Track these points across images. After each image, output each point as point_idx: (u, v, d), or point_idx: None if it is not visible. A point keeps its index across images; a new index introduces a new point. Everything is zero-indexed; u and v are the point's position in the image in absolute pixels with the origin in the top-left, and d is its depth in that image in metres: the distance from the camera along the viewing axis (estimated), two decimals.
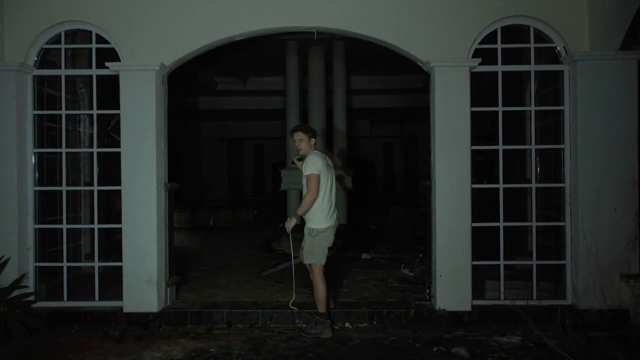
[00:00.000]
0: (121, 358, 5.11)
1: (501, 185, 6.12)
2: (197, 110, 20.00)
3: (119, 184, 6.05)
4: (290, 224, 5.63)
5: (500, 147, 6.12)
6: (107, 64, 6.06)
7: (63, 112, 6.32)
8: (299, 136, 5.68)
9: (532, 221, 6.27)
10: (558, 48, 6.10)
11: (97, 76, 6.27)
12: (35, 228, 6.24)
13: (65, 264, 6.31)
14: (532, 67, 6.18)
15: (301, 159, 5.83)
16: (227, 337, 5.64)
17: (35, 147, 6.25)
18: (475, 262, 6.01)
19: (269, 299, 6.57)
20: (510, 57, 6.25)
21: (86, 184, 7.24)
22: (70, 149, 6.56)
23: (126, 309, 6.01)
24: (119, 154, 6.05)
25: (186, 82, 16.72)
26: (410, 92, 18.36)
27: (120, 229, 6.07)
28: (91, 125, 6.77)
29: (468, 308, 5.94)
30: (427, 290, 6.39)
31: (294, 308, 5.94)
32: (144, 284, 5.98)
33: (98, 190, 6.34)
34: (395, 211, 12.57)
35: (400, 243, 11.07)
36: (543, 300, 6.06)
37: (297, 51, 14.40)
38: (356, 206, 16.03)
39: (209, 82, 17.86)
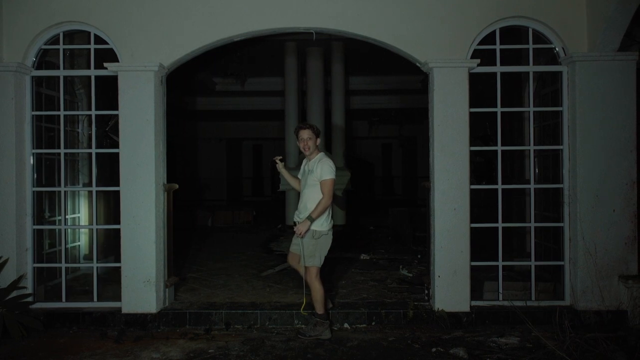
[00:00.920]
0: (119, 359, 5.10)
1: (500, 186, 6.13)
2: (195, 111, 19.96)
3: (118, 184, 6.05)
4: (304, 227, 5.35)
5: (499, 147, 6.13)
6: (105, 64, 6.05)
7: (62, 112, 6.31)
8: (307, 134, 5.54)
9: (530, 222, 6.27)
10: (557, 49, 6.10)
11: (96, 77, 6.26)
12: (34, 229, 6.23)
13: (63, 265, 6.31)
14: (530, 68, 6.19)
15: (282, 159, 5.84)
16: (226, 337, 5.64)
17: (33, 148, 6.24)
18: (474, 263, 6.02)
19: (267, 299, 6.57)
20: (509, 58, 6.26)
21: (85, 185, 7.24)
22: (68, 149, 6.53)
23: (124, 310, 6.00)
24: (117, 154, 6.05)
25: (185, 83, 16.71)
26: (409, 92, 18.37)
27: (118, 230, 6.07)
28: (90, 125, 6.77)
29: (467, 309, 5.94)
30: (426, 291, 6.39)
31: (305, 313, 5.84)
32: (142, 284, 5.97)
33: (96, 191, 6.33)
34: (394, 212, 12.55)
35: (399, 244, 11.07)
36: (541, 301, 6.06)
37: (296, 52, 14.38)
38: (355, 207, 16.03)
39: (207, 82, 17.83)
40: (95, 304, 6.20)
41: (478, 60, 5.96)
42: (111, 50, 6.18)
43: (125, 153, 6.00)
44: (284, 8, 6.09)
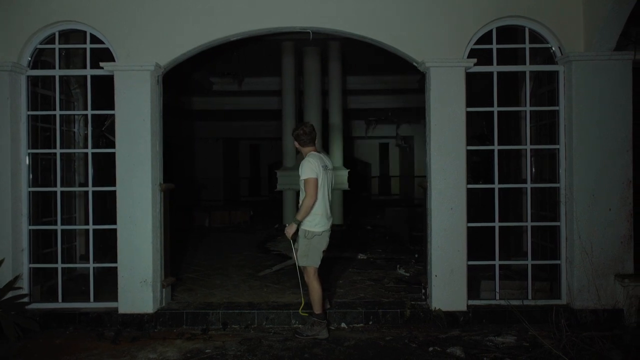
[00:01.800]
0: (116, 359, 5.09)
1: (496, 186, 6.13)
2: (192, 111, 19.92)
3: (114, 184, 6.04)
4: (291, 230, 5.45)
5: (496, 147, 6.13)
6: (101, 64, 6.04)
7: (57, 112, 6.30)
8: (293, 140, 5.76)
9: (527, 221, 6.27)
10: (553, 48, 6.11)
11: (92, 76, 6.24)
12: (30, 229, 6.22)
13: (59, 265, 6.29)
14: (527, 68, 6.19)
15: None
16: (223, 337, 5.63)
17: (29, 148, 6.22)
18: (470, 262, 6.02)
19: (264, 299, 6.56)
20: (506, 57, 6.26)
21: (81, 185, 7.23)
22: (64, 149, 6.52)
23: (121, 310, 5.99)
24: (114, 154, 6.04)
25: (182, 83, 16.67)
26: (406, 92, 18.34)
27: (114, 230, 6.06)
28: (86, 125, 6.77)
29: (463, 308, 5.94)
30: (423, 291, 6.39)
31: (304, 314, 5.83)
32: (139, 284, 5.96)
33: (93, 191, 6.32)
34: (392, 212, 12.60)
35: (397, 243, 11.08)
36: (538, 300, 6.07)
37: (293, 51, 14.37)
38: (352, 206, 16.03)
39: (204, 82, 17.81)
40: (91, 305, 6.19)
41: (475, 60, 5.97)
42: (107, 50, 6.17)
43: (122, 153, 5.99)
44: (281, 8, 6.09)
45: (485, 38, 6.13)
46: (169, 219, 6.41)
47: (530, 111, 6.32)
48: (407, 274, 7.93)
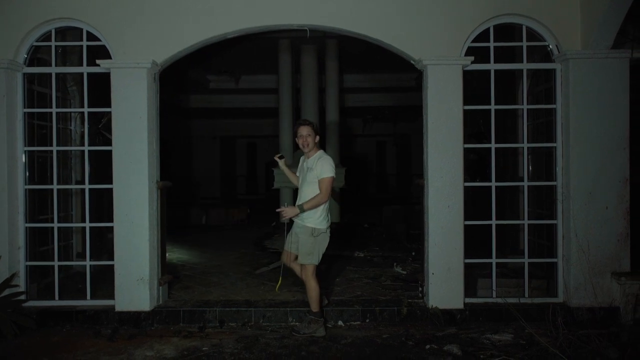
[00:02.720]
0: (113, 357, 5.08)
1: (493, 184, 6.14)
2: (189, 109, 19.91)
3: (111, 182, 6.02)
4: (292, 212, 5.43)
5: (493, 145, 6.13)
6: (97, 61, 6.02)
7: (54, 110, 6.28)
8: (307, 131, 5.46)
9: (524, 219, 6.27)
10: (550, 46, 6.11)
11: (89, 74, 6.23)
12: (26, 227, 6.20)
13: (56, 263, 6.27)
14: (524, 66, 6.20)
15: (283, 156, 5.89)
16: (220, 335, 5.63)
17: (25, 146, 6.21)
18: (467, 260, 6.02)
19: (261, 297, 6.57)
20: (503, 55, 6.26)
21: (77, 183, 7.21)
22: (61, 147, 6.49)
23: (118, 308, 5.98)
24: (110, 152, 6.03)
25: (178, 80, 16.63)
26: (403, 90, 18.35)
27: (111, 227, 6.04)
28: (82, 123, 6.75)
29: (460, 306, 5.95)
30: (420, 289, 6.39)
31: (278, 292, 6.06)
32: (135, 282, 5.95)
33: (90, 189, 6.30)
34: (388, 210, 12.60)
35: (394, 241, 11.08)
36: (535, 298, 6.08)
37: (290, 49, 14.36)
38: (349, 205, 16.03)
39: (201, 80, 17.78)
40: (88, 302, 6.18)
41: (472, 58, 5.97)
42: (104, 47, 6.15)
43: (118, 151, 5.98)
44: (278, 5, 6.07)
45: (483, 36, 6.13)
46: (165, 216, 6.40)
47: (528, 109, 6.32)
48: (404, 272, 7.94)
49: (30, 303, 6.11)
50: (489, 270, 6.22)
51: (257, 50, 14.47)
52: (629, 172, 5.89)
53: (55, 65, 6.29)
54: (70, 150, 7.09)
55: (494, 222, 6.13)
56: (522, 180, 6.42)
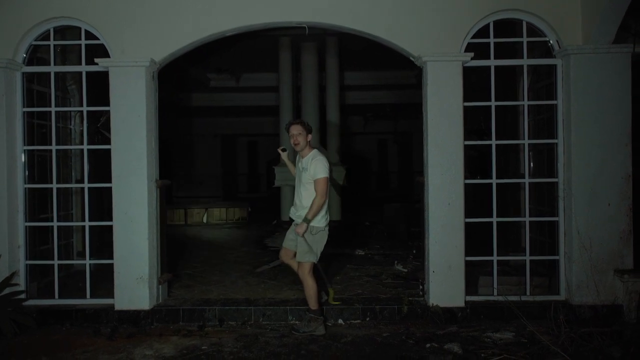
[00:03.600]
0: (112, 356, 5.06)
1: (494, 181, 6.10)
2: (190, 107, 19.89)
3: (111, 181, 6.00)
4: (302, 229, 5.39)
5: (494, 142, 6.09)
6: (96, 60, 5.99)
7: (53, 109, 6.25)
8: (297, 130, 5.53)
9: (525, 216, 6.23)
10: (551, 42, 6.07)
11: (88, 73, 6.20)
12: (26, 226, 6.18)
13: (56, 262, 6.26)
14: (525, 62, 6.15)
15: (285, 149, 6.07)
16: (219, 334, 5.60)
17: (25, 145, 6.19)
18: (468, 258, 5.99)
19: (261, 295, 6.54)
20: (503, 51, 6.22)
21: (77, 182, 7.19)
22: (60, 146, 6.46)
23: (117, 307, 5.96)
24: (110, 151, 6.00)
25: (179, 79, 16.60)
26: (404, 87, 18.31)
27: (111, 227, 6.02)
28: (82, 122, 6.72)
29: (461, 304, 5.91)
30: (421, 287, 6.36)
31: (336, 303, 6.01)
32: (135, 281, 5.93)
33: (89, 188, 6.28)
34: (389, 208, 12.51)
35: (395, 239, 11.05)
36: (536, 296, 6.04)
37: (290, 47, 14.33)
38: (350, 203, 16.00)
39: (201, 78, 17.75)
40: (88, 301, 6.17)
41: (472, 54, 5.93)
42: (102, 46, 6.12)
43: (117, 149, 5.95)
44: (276, 2, 6.04)
45: (483, 32, 6.09)
46: (165, 215, 6.38)
47: (529, 106, 6.28)
48: (405, 270, 7.91)
49: (31, 302, 6.09)
50: (490, 268, 6.19)
51: (258, 48, 14.45)
52: (631, 168, 5.85)
53: (54, 64, 6.26)
54: (70, 149, 7.07)
55: (494, 219, 6.09)
56: (524, 177, 6.38)
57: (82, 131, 6.67)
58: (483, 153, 7.22)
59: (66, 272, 6.86)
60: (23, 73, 6.17)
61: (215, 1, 6.04)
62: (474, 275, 6.25)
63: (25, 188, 6.20)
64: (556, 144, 6.12)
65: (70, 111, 7.04)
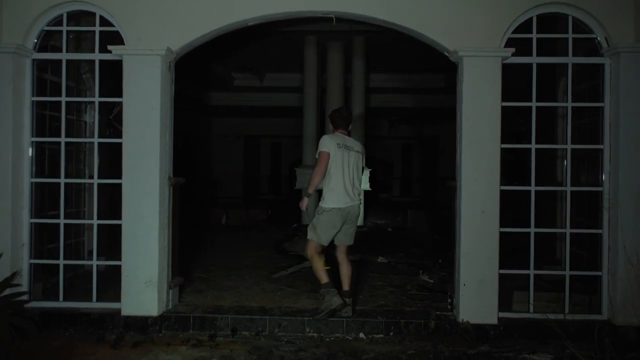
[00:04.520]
0: None
1: (533, 188, 5.61)
2: (213, 106, 19.68)
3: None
4: (303, 203, 5.68)
5: (533, 145, 5.61)
6: (109, 47, 5.64)
7: (63, 99, 5.91)
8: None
9: (565, 228, 5.71)
10: (599, 39, 5.57)
11: (105, 62, 5.88)
12: (31, 222, 5.84)
13: (61, 262, 5.91)
14: (569, 60, 5.65)
15: None
16: (231, 345, 5.19)
17: (33, 136, 5.85)
18: (502, 271, 5.51)
19: (277, 304, 6.13)
20: (540, 50, 5.71)
21: (90, 177, 6.88)
22: (69, 138, 6.12)
23: (124, 312, 5.59)
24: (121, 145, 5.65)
25: (202, 76, 16.39)
26: (431, 92, 17.92)
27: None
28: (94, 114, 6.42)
29: (494, 321, 5.42)
30: (449, 300, 5.89)
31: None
32: (143, 285, 5.55)
33: (102, 184, 5.95)
34: (414, 214, 12.10)
35: (419, 247, 10.56)
36: (575, 315, 5.52)
37: (316, 46, 13.97)
38: (373, 208, 15.58)
39: (225, 77, 17.51)
40: (94, 305, 5.81)
41: (512, 50, 5.46)
42: (118, 33, 5.78)
43: (129, 143, 5.59)
44: None
45: (524, 27, 5.61)
46: (178, 215, 6.01)
47: (570, 108, 5.77)
48: (431, 281, 7.43)
49: (34, 304, 5.74)
50: (523, 281, 5.71)
51: (283, 47, 14.16)
52: None
53: (67, 52, 5.93)
54: (85, 143, 6.75)
55: (532, 229, 5.60)
56: (563, 185, 5.88)
57: (95, 123, 6.35)
58: (519, 157, 6.74)
59: (74, 272, 6.54)
60: (33, 60, 5.83)
61: None
62: (506, 290, 5.74)
63: (32, 182, 5.85)
64: (601, 150, 5.61)
65: (84, 102, 6.70)
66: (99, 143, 5.95)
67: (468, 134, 5.45)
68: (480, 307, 5.43)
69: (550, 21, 5.84)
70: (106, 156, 6.18)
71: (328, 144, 5.48)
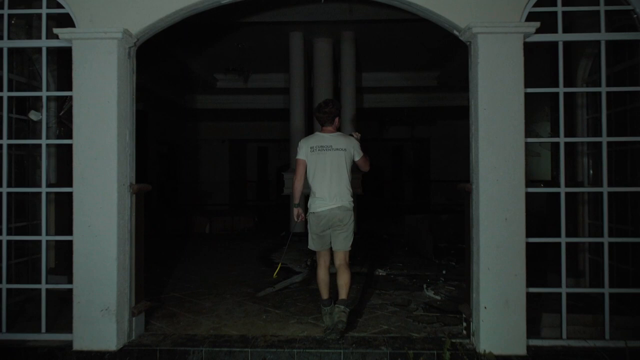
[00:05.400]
0: None
1: (563, 189, 4.72)
2: (196, 109, 18.80)
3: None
4: (294, 214, 5.33)
5: (562, 139, 4.71)
6: (55, 30, 4.71)
7: (5, 94, 4.99)
8: None
9: (603, 236, 4.80)
10: (637, 11, 4.71)
11: (52, 49, 5.01)
12: None
13: (4, 286, 4.97)
14: (602, 36, 4.73)
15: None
16: None
17: None
18: (531, 290, 4.61)
19: (262, 331, 5.20)
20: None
21: (51, 185, 5.96)
22: (13, 140, 5.17)
23: (77, 346, 4.64)
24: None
25: (183, 79, 15.54)
26: (423, 90, 17.25)
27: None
28: (58, 111, 5.52)
29: (522, 351, 4.48)
30: (464, 324, 5.00)
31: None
32: (99, 314, 4.61)
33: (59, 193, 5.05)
34: (411, 219, 11.18)
35: (418, 256, 9.66)
36: (617, 341, 4.61)
37: (302, 43, 13.09)
38: (365, 211, 14.70)
39: (208, 78, 16.62)
40: (43, 337, 4.87)
41: (537, 24, 4.55)
42: (69, 16, 4.86)
43: (80, 144, 4.66)
44: None
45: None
46: (143, 228, 5.08)
47: (587, 99, 4.94)
48: (438, 298, 6.53)
49: None
50: (550, 302, 4.84)
51: (267, 45, 13.37)
52: None
53: (9, 39, 5.02)
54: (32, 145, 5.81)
55: (563, 239, 4.70)
56: (595, 185, 5.02)
57: (57, 123, 5.45)
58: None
59: (26, 295, 5.61)
60: None
61: None
62: (533, 311, 4.84)
63: None
64: None
65: (40, 100, 5.76)
66: (58, 145, 5.02)
67: (485, 126, 4.55)
68: (505, 334, 4.50)
69: None
70: (67, 160, 5.25)
71: (301, 149, 5.22)
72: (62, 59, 5.31)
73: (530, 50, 4.71)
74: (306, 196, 5.17)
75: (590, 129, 5.93)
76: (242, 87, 17.21)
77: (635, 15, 4.72)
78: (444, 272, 8.02)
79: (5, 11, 4.96)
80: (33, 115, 5.51)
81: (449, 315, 5.70)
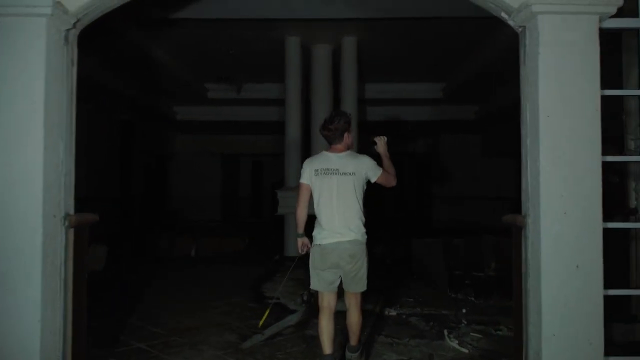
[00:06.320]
0: None
1: None
2: (185, 121, 17.80)
3: None
4: (298, 245, 4.70)
5: None
6: None
7: None
8: None
9: None
10: None
11: None
12: None
13: None
14: None
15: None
16: None
17: None
18: (613, 359, 3.39)
19: None
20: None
21: None
22: None
23: None
24: None
25: (172, 88, 14.47)
26: (430, 103, 16.59)
27: None
28: None
29: None
30: None
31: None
32: None
33: None
34: (419, 243, 9.97)
35: (430, 286, 8.44)
36: None
37: (300, 49, 12.01)
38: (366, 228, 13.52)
39: (198, 88, 15.56)
40: None
41: (619, 3, 3.38)
42: None
43: None
44: None
45: None
46: (85, 272, 3.84)
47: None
48: (465, 351, 5.26)
49: None
50: None
51: (261, 54, 12.38)
52: None
53: None
54: None
55: None
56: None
57: None
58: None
59: None
60: None
61: None
62: None
63: None
64: None
65: None
66: None
67: (549, 139, 3.33)
68: None
69: None
70: None
71: (304, 172, 4.59)
72: None
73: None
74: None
75: None
76: (234, 98, 16.18)
77: None
78: (463, 311, 6.80)
79: None
80: None
81: None
